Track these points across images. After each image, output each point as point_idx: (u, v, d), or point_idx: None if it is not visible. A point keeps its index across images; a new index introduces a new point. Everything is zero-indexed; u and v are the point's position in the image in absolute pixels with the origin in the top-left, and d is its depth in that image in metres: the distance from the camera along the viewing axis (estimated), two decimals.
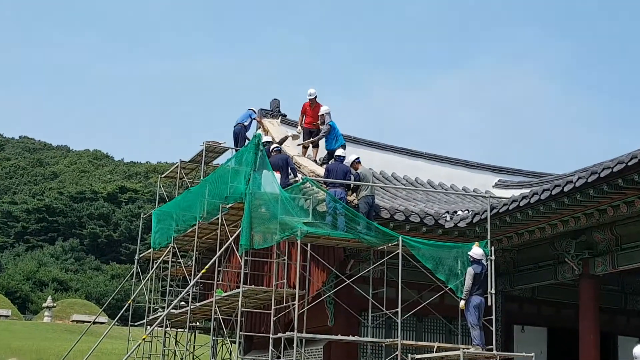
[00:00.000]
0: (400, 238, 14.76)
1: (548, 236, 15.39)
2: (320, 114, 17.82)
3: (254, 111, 19.23)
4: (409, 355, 14.93)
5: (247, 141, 17.89)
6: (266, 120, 20.25)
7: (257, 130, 19.47)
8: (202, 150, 19.28)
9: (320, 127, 18.06)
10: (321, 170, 16.70)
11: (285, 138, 18.18)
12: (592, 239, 15.06)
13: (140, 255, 22.37)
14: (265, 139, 17.13)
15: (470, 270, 14.13)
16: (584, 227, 14.74)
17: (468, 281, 14.03)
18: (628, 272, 17.50)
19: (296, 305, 14.66)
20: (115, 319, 25.60)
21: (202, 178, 18.75)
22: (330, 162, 16.59)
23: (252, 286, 16.00)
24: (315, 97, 18.20)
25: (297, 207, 15.18)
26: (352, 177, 15.85)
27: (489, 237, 15.06)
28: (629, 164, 12.08)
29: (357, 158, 16.28)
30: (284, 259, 15.75)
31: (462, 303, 14.11)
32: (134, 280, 22.12)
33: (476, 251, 14.29)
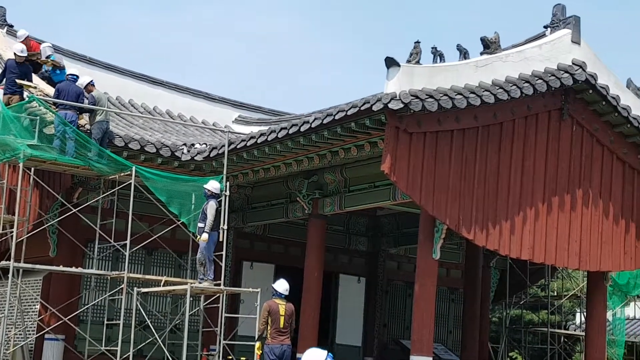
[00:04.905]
0: (133, 168, 14.95)
1: (282, 175, 16.43)
2: (45, 55, 17.02)
3: None
4: (135, 288, 15.33)
5: None
6: None
7: None
8: None
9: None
10: (51, 90, 16.23)
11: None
12: (323, 179, 16.33)
13: None
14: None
15: (212, 204, 14.62)
16: (317, 168, 15.93)
17: (210, 215, 14.57)
18: (353, 214, 19.33)
19: (14, 233, 14.35)
20: None
21: None
22: (62, 82, 16.14)
23: None
24: (27, 37, 17.21)
25: (21, 128, 14.70)
26: (86, 101, 15.63)
27: (224, 172, 15.75)
28: (362, 108, 13.22)
29: (92, 80, 16.03)
30: (3, 183, 15.23)
31: (205, 236, 14.56)
32: None
33: (214, 185, 14.85)
